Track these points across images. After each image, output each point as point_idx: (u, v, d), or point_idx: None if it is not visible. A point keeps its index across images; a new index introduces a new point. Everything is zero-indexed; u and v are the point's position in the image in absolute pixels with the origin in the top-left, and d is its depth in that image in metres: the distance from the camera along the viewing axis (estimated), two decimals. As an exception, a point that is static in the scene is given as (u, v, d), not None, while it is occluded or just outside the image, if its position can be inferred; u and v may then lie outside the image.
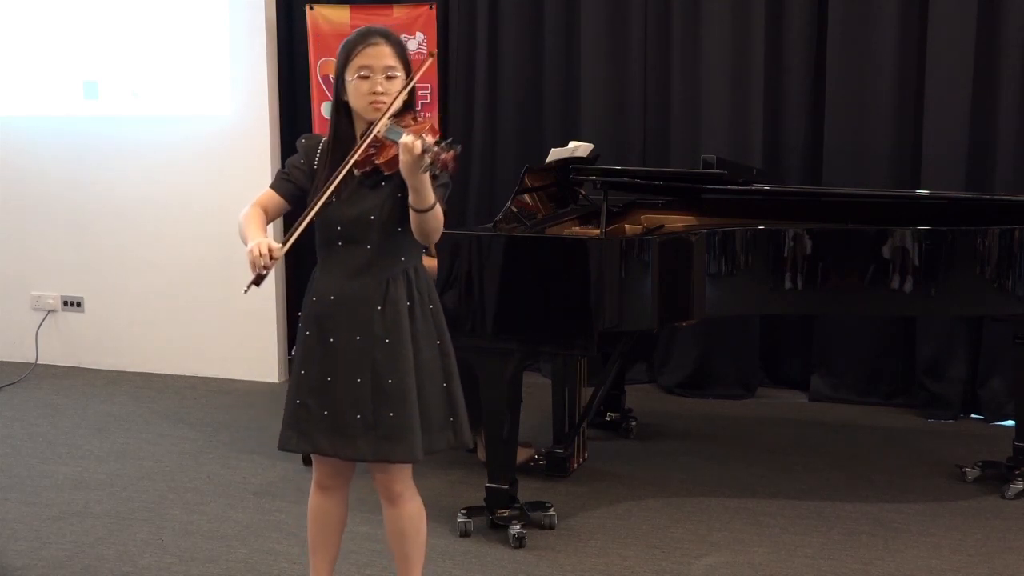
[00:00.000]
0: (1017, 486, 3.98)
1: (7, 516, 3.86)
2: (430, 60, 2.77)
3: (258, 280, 2.50)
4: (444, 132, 5.69)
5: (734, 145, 5.16)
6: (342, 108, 2.69)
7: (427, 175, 2.48)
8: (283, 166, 2.80)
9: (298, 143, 2.79)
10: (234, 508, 3.94)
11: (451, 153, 2.44)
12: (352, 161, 2.57)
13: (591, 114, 5.42)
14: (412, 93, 2.69)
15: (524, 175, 3.99)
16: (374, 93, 2.60)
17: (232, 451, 4.57)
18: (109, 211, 5.85)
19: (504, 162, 5.61)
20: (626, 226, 4.29)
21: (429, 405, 2.67)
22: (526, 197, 4.13)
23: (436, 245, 3.63)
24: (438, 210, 2.56)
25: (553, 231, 3.97)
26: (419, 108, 2.69)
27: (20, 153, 5.98)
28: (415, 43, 5.47)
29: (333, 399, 2.66)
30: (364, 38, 2.64)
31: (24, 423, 4.99)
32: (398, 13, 5.48)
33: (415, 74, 2.68)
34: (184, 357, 5.83)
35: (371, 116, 2.62)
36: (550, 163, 4.24)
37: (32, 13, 5.82)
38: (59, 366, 6.00)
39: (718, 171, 4.14)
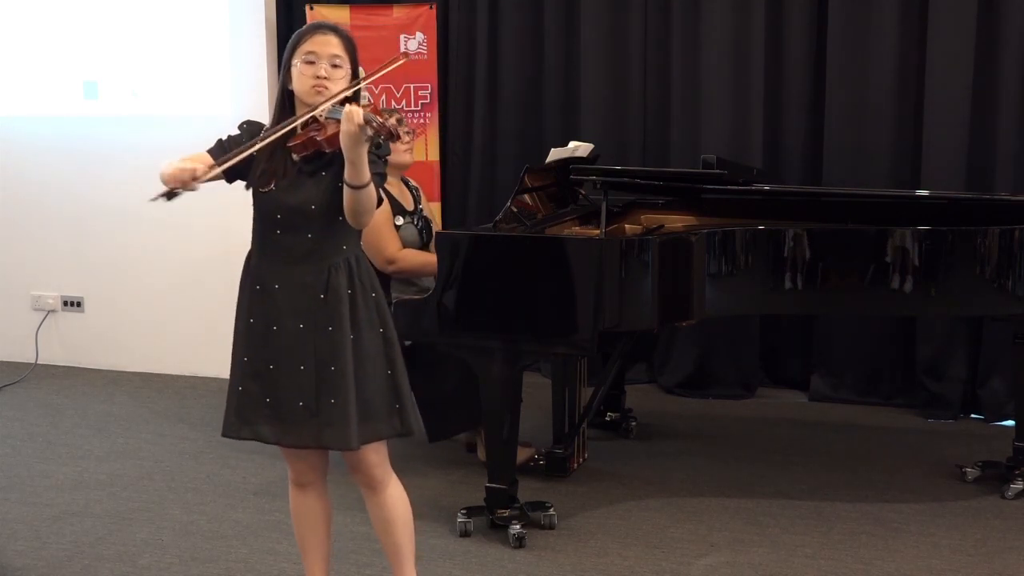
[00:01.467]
0: (1017, 486, 3.98)
1: (7, 516, 3.86)
2: (401, 60, 2.77)
3: (170, 195, 2.50)
4: (444, 132, 5.71)
5: (734, 145, 5.16)
6: (286, 96, 2.71)
7: (365, 148, 2.47)
8: (221, 138, 2.78)
9: (239, 126, 2.80)
10: (234, 508, 3.94)
11: (393, 118, 2.45)
12: (297, 123, 2.58)
13: (591, 114, 5.42)
14: (357, 92, 2.69)
15: (524, 175, 3.99)
16: (317, 77, 2.63)
17: (232, 451, 4.57)
18: (109, 211, 5.85)
19: (504, 162, 5.61)
20: (626, 226, 4.29)
21: (373, 393, 2.67)
22: (526, 197, 4.13)
23: (436, 245, 3.66)
24: (372, 190, 2.55)
25: (553, 231, 3.97)
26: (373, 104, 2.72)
27: (20, 153, 5.98)
28: (415, 43, 5.48)
29: (276, 386, 2.67)
30: (314, 29, 2.70)
31: (24, 423, 4.99)
32: (398, 13, 5.48)
33: (379, 69, 2.71)
34: (184, 357, 5.83)
35: (312, 100, 2.64)
36: (550, 163, 4.25)
37: (32, 13, 5.82)
38: (59, 366, 6.00)
39: (718, 171, 4.14)
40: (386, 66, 2.75)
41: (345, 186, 2.53)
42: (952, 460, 4.31)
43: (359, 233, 2.73)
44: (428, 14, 5.46)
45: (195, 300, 5.75)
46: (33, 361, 6.00)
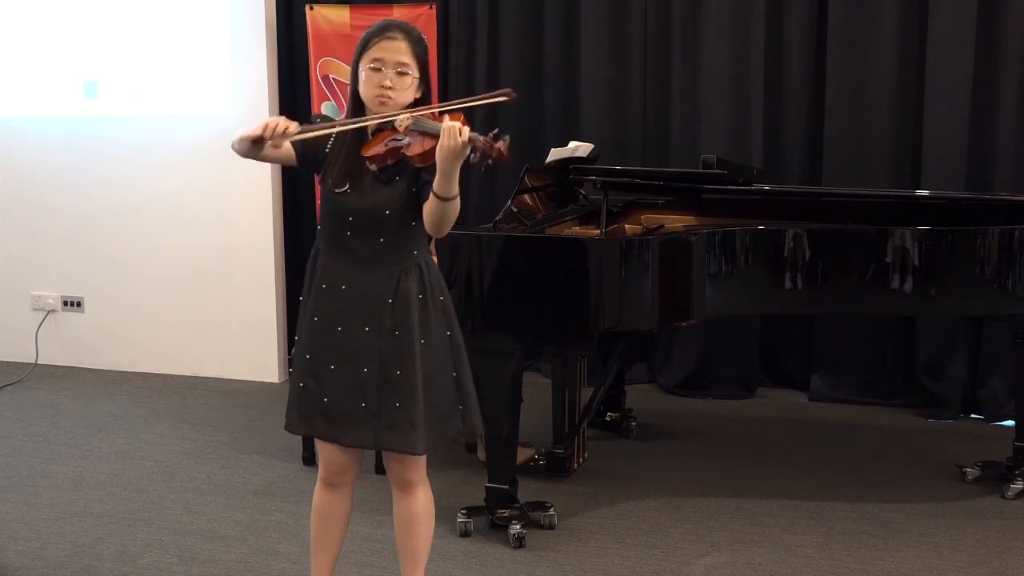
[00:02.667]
0: (1017, 486, 3.98)
1: (7, 516, 3.86)
2: (504, 98, 2.71)
3: (259, 140, 2.52)
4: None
5: (734, 145, 5.16)
6: (356, 99, 2.68)
7: (460, 164, 2.46)
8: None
9: (311, 118, 2.77)
10: (234, 508, 3.94)
11: (502, 142, 2.43)
12: (372, 123, 2.57)
13: (591, 114, 5.41)
14: (428, 91, 2.68)
15: (524, 175, 3.99)
16: (382, 87, 2.60)
17: (232, 451, 4.57)
18: (109, 211, 5.85)
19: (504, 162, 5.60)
20: (626, 226, 4.29)
21: (439, 394, 2.68)
22: (526, 197, 4.13)
23: (436, 244, 3.66)
24: (458, 201, 2.54)
25: (553, 231, 3.98)
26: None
27: (20, 153, 5.98)
28: (415, 43, 5.47)
29: (334, 387, 2.66)
30: (383, 31, 2.64)
31: (24, 423, 4.99)
32: (398, 13, 5.47)
33: (480, 99, 2.70)
34: (184, 357, 5.83)
35: (377, 110, 2.62)
36: (550, 163, 4.24)
37: (32, 13, 5.82)
38: (59, 366, 6.00)
39: (718, 171, 4.14)
40: (487, 98, 2.72)
41: (433, 196, 2.50)
42: (952, 460, 4.31)
43: (428, 238, 2.71)
44: (428, 14, 5.46)
45: (195, 300, 5.76)
46: (33, 361, 6.00)
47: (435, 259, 3.63)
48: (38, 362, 6.00)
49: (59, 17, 5.77)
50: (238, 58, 5.56)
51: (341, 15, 5.48)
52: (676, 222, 4.28)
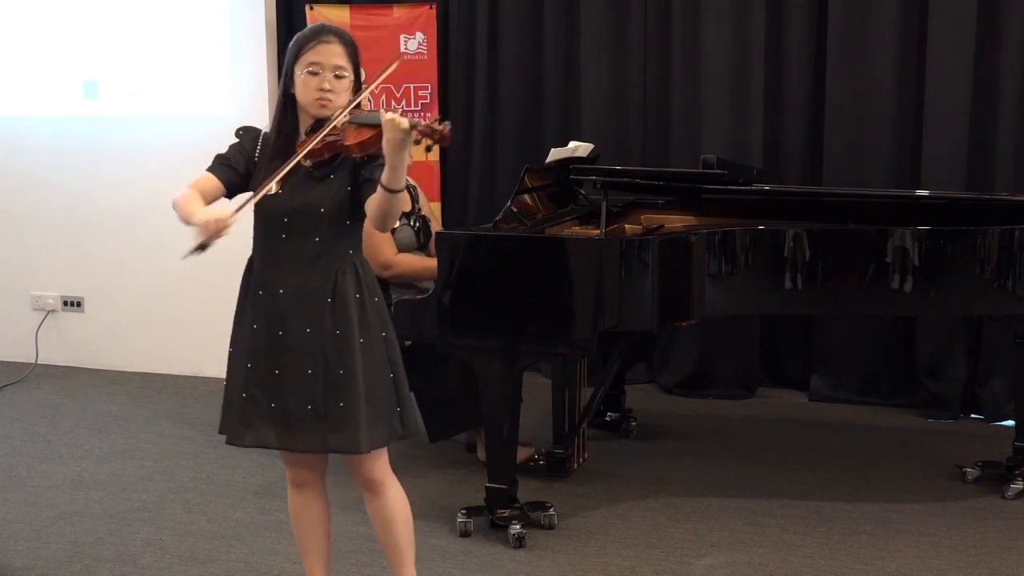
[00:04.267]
0: (1017, 486, 3.98)
1: (7, 516, 3.86)
2: (395, 64, 2.76)
3: (203, 247, 2.52)
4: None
5: (734, 145, 5.16)
6: (288, 101, 2.70)
7: (407, 153, 2.45)
8: (220, 153, 2.77)
9: (236, 133, 2.80)
10: (234, 508, 3.94)
11: (445, 125, 2.43)
12: (307, 150, 2.57)
13: (591, 114, 5.41)
14: (360, 101, 2.68)
15: (524, 175, 3.99)
16: (321, 90, 2.62)
17: (232, 451, 4.52)
18: (109, 211, 5.85)
19: (504, 162, 5.61)
20: (626, 226, 4.29)
21: (378, 396, 2.68)
22: (526, 197, 4.13)
23: (436, 244, 3.66)
24: (405, 193, 2.54)
25: (553, 231, 3.97)
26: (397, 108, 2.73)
27: (20, 153, 5.97)
28: (415, 43, 5.47)
29: (281, 392, 2.66)
30: (317, 35, 2.66)
31: (24, 423, 4.99)
32: (398, 13, 5.48)
33: (378, 76, 2.69)
34: (184, 357, 5.83)
35: (317, 113, 2.64)
36: (550, 163, 4.24)
37: (32, 13, 5.81)
38: (59, 366, 6.00)
39: (718, 171, 4.14)
40: (383, 71, 2.74)
41: (380, 189, 2.49)
42: (952, 460, 4.31)
43: (361, 238, 2.72)
44: (428, 14, 5.46)
45: (195, 300, 5.75)
46: (33, 361, 6.00)
47: (434, 262, 3.66)
48: (38, 362, 6.00)
49: (59, 17, 5.77)
50: (238, 58, 5.56)
51: (341, 15, 5.48)
52: (676, 222, 4.28)
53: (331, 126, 2.58)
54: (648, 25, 5.35)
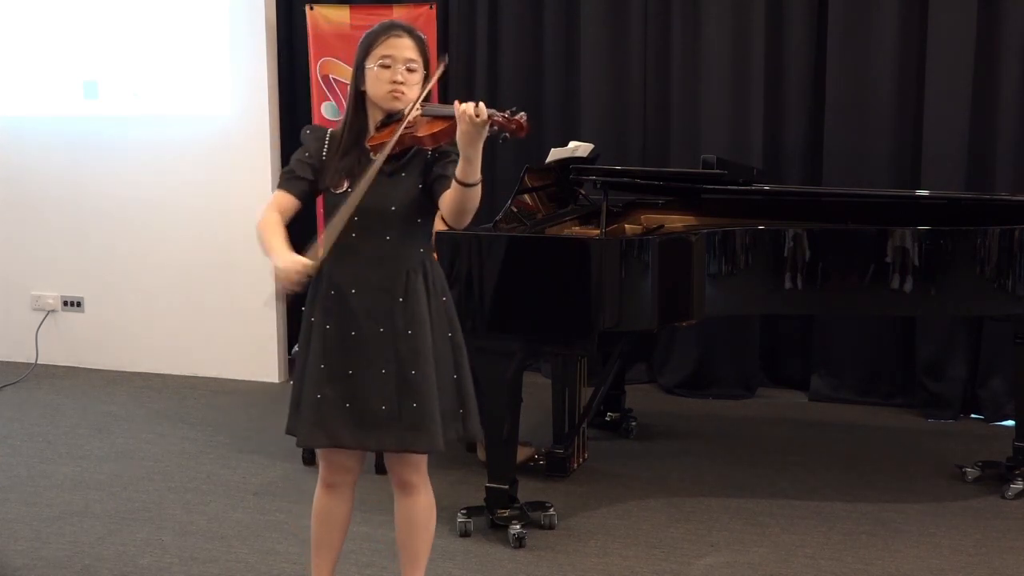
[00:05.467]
0: (1017, 486, 3.98)
1: (7, 516, 3.86)
2: (442, 66, 2.74)
3: (287, 296, 2.53)
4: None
5: (734, 145, 5.16)
6: (358, 98, 2.68)
7: (481, 146, 2.44)
8: (286, 163, 2.77)
9: (303, 135, 2.77)
10: (234, 508, 3.94)
11: (521, 116, 2.42)
12: (385, 154, 2.53)
13: (591, 114, 5.42)
14: (430, 95, 2.69)
15: (524, 175, 3.99)
16: (394, 82, 2.60)
17: (232, 451, 4.57)
18: (109, 211, 5.85)
19: (504, 162, 5.60)
20: (626, 226, 4.29)
21: (442, 396, 2.67)
22: (526, 197, 4.13)
23: (436, 244, 3.66)
24: (480, 187, 2.53)
25: (553, 231, 3.98)
26: None
27: (20, 153, 5.98)
28: (415, 43, 5.47)
29: (355, 391, 2.64)
30: (388, 29, 2.65)
31: (24, 423, 4.99)
32: (398, 13, 5.47)
33: (434, 73, 2.69)
34: (184, 357, 5.83)
35: (389, 105, 2.62)
36: (550, 163, 4.24)
37: (32, 13, 5.81)
38: (59, 366, 6.00)
39: (718, 171, 4.14)
40: (436, 72, 2.71)
41: (455, 184, 2.49)
42: (952, 460, 4.31)
43: (431, 237, 2.72)
44: (428, 14, 5.46)
45: (195, 300, 5.75)
46: (33, 361, 6.00)
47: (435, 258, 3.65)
48: (38, 362, 6.00)
49: (59, 17, 5.77)
50: (238, 58, 5.56)
51: (341, 15, 5.48)
52: (676, 222, 4.28)
53: (406, 120, 2.54)
54: (648, 25, 5.35)
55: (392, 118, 2.62)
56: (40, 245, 6.02)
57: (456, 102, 2.46)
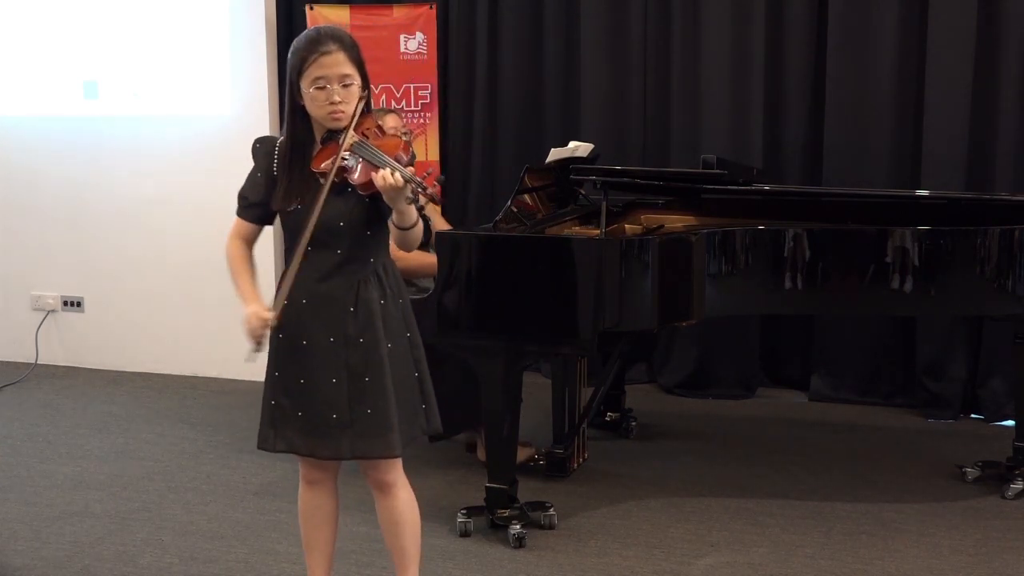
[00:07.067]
0: (1017, 486, 3.98)
1: (7, 516, 3.86)
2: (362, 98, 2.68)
3: (259, 347, 2.62)
4: (444, 132, 5.71)
5: (734, 145, 5.16)
6: (298, 111, 2.66)
7: (404, 204, 2.52)
8: (242, 189, 2.79)
9: (253, 149, 2.78)
10: (234, 508, 3.94)
11: (438, 188, 2.50)
12: (327, 184, 2.58)
13: (591, 114, 5.41)
14: (369, 97, 2.68)
15: (524, 175, 3.99)
16: (332, 103, 2.58)
17: (232, 451, 4.57)
18: (109, 211, 5.85)
19: (504, 162, 5.61)
20: (626, 226, 4.29)
21: (404, 396, 2.70)
22: (526, 197, 4.13)
23: (436, 244, 3.66)
24: (420, 225, 2.63)
25: (553, 231, 3.97)
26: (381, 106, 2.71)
27: (20, 153, 5.98)
28: (415, 43, 5.48)
29: (307, 400, 2.68)
30: (316, 45, 2.58)
31: (24, 423, 4.99)
32: (398, 13, 5.48)
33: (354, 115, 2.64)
34: (184, 357, 5.83)
35: (330, 126, 2.63)
36: (550, 163, 4.24)
37: (32, 13, 5.81)
38: (59, 366, 6.00)
39: (718, 171, 4.14)
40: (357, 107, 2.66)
41: (393, 226, 2.59)
42: (952, 460, 4.31)
43: (387, 244, 2.73)
44: (428, 14, 5.46)
45: (195, 300, 5.75)
46: (33, 361, 6.00)
47: (434, 258, 3.65)
48: (38, 362, 6.00)
49: (59, 17, 5.77)
50: (238, 58, 5.56)
51: (341, 15, 5.48)
52: (676, 222, 4.28)
53: (339, 155, 2.57)
54: (648, 25, 5.35)
55: (334, 135, 2.63)
56: (40, 245, 6.02)
57: (374, 173, 2.49)
